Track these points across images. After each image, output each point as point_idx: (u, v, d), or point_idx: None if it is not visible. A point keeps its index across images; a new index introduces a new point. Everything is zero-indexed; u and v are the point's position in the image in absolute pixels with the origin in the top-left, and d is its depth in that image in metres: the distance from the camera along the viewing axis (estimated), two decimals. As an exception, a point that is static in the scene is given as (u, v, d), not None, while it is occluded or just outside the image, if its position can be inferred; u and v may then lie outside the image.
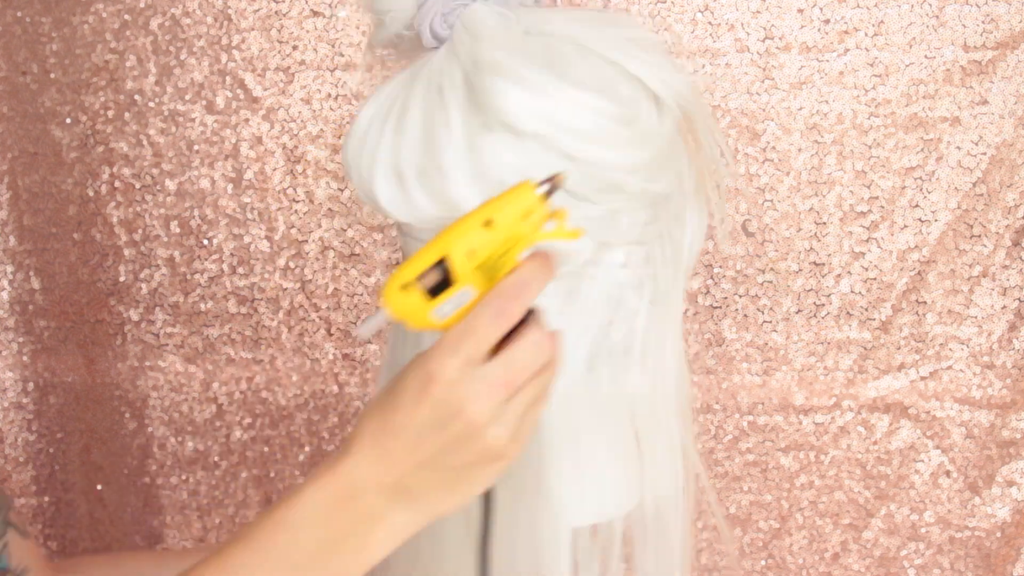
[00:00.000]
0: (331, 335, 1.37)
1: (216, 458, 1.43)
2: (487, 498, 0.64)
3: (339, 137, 1.32)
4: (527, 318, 0.60)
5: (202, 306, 1.38)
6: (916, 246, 1.31)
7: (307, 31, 1.30)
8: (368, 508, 0.60)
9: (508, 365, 0.59)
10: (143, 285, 1.38)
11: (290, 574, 0.61)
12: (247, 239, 1.35)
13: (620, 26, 0.72)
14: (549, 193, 0.59)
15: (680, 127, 0.72)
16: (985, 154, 1.28)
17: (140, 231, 1.37)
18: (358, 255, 1.35)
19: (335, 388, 1.39)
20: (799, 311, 1.33)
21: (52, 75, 1.34)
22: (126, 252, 1.38)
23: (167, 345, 1.40)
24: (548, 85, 0.65)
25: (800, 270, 1.32)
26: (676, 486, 0.86)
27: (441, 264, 0.58)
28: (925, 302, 1.32)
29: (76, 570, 0.85)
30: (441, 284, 0.59)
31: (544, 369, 0.61)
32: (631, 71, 0.69)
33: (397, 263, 1.34)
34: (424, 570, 0.74)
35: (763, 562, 1.40)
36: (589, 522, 0.79)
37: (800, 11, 1.26)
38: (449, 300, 0.59)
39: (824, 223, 1.31)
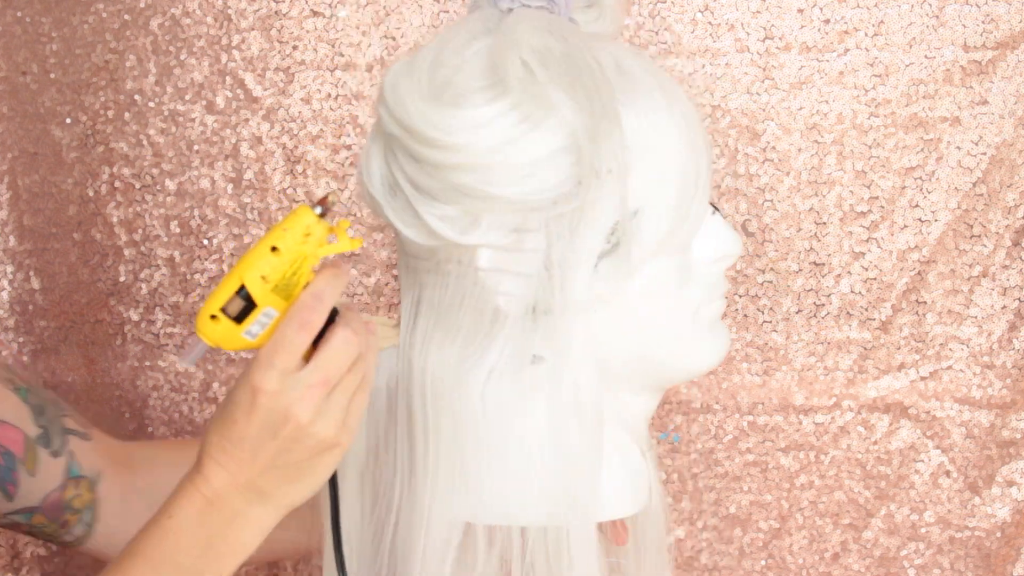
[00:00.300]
0: (331, 335, 1.37)
1: (216, 458, 1.43)
2: (333, 484, 0.75)
3: (339, 137, 1.32)
4: (334, 320, 0.70)
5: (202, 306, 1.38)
6: (916, 246, 1.31)
7: (307, 31, 1.30)
8: (231, 509, 0.70)
9: (321, 367, 0.68)
10: (143, 285, 1.38)
11: (179, 573, 0.70)
12: (247, 239, 1.36)
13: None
14: (324, 214, 0.68)
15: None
16: (985, 154, 1.28)
17: (140, 231, 1.37)
18: (358, 255, 1.35)
19: (335, 388, 1.39)
20: (799, 311, 1.33)
21: (52, 75, 1.34)
22: (126, 252, 1.38)
23: (167, 345, 1.40)
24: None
25: (800, 270, 1.32)
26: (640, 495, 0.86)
27: (242, 291, 0.67)
28: (925, 302, 1.32)
29: (150, 461, 0.94)
30: (246, 308, 0.68)
31: (357, 361, 0.71)
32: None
33: (398, 263, 1.34)
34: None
35: (763, 562, 1.40)
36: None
37: (800, 11, 1.26)
38: (255, 322, 0.68)
39: (824, 223, 1.31)
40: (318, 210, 0.68)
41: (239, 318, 0.68)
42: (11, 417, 0.87)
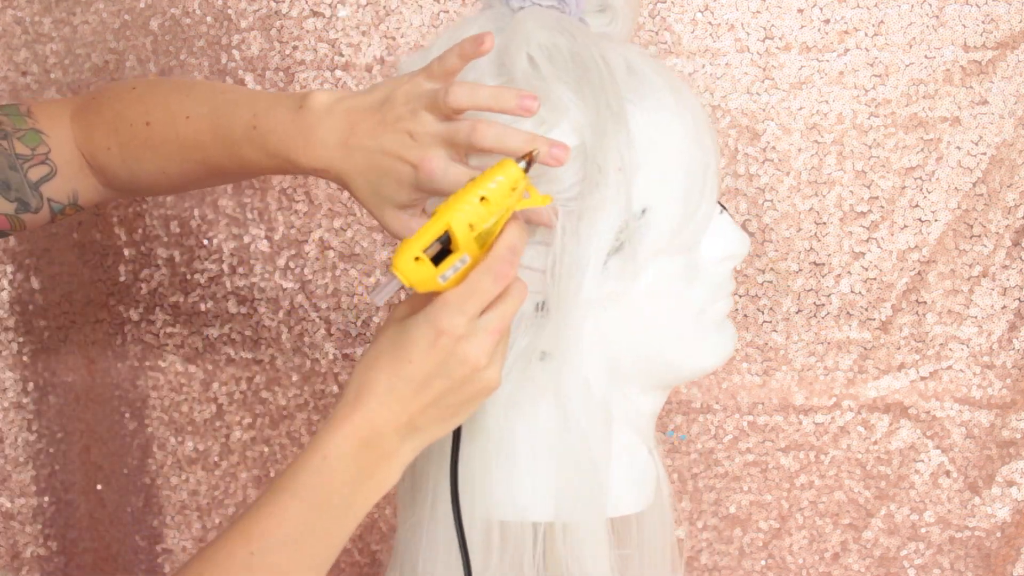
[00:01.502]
0: (331, 335, 1.37)
1: (216, 458, 1.43)
2: (456, 436, 0.77)
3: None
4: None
5: (202, 306, 1.38)
6: (916, 246, 1.31)
7: (307, 31, 1.30)
8: (385, 448, 0.72)
9: (500, 317, 0.71)
10: (143, 285, 1.38)
11: (326, 512, 0.72)
12: (247, 239, 1.36)
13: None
14: (527, 167, 0.70)
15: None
16: (985, 154, 1.28)
17: (140, 231, 1.37)
18: (358, 255, 1.35)
19: (335, 388, 1.39)
20: (799, 311, 1.33)
21: (52, 75, 1.34)
22: (126, 252, 1.38)
23: (167, 345, 1.40)
24: None
25: (800, 270, 1.32)
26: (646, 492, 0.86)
27: (444, 235, 0.69)
28: (925, 302, 1.32)
29: (118, 149, 0.91)
30: (440, 253, 0.70)
31: (516, 310, 0.74)
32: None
33: (397, 263, 1.34)
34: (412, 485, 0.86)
35: (763, 562, 1.40)
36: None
37: (800, 11, 1.26)
38: (451, 267, 0.70)
39: (824, 223, 1.31)
40: (522, 164, 0.70)
41: (435, 261, 0.70)
42: None
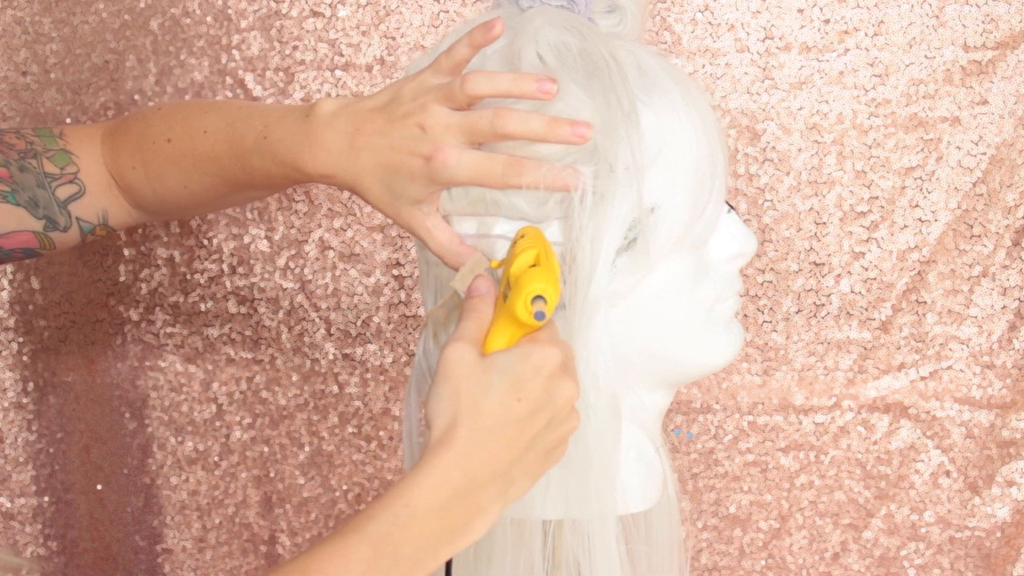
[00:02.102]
0: (331, 335, 1.37)
1: (216, 458, 1.43)
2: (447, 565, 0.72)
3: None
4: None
5: (202, 306, 1.38)
6: (916, 246, 1.31)
7: (307, 31, 1.30)
8: (478, 503, 0.68)
9: (571, 353, 0.72)
10: (143, 285, 1.38)
11: (398, 562, 0.66)
12: (247, 239, 1.35)
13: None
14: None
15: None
16: (985, 154, 1.28)
17: (140, 231, 1.37)
18: (358, 255, 1.35)
19: (335, 388, 1.39)
20: (799, 311, 1.33)
21: (52, 75, 1.34)
22: (126, 252, 1.38)
23: (167, 345, 1.40)
24: None
25: (800, 270, 1.32)
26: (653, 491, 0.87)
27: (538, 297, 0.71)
28: (925, 302, 1.32)
29: (143, 167, 0.93)
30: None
31: None
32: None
33: (397, 263, 1.34)
34: None
35: (763, 562, 1.40)
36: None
37: (800, 11, 1.26)
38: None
39: (824, 223, 1.31)
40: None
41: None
42: (14, 224, 0.90)
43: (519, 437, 0.68)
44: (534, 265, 0.70)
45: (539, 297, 0.69)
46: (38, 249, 0.91)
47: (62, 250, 0.93)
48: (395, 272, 1.35)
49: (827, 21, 1.26)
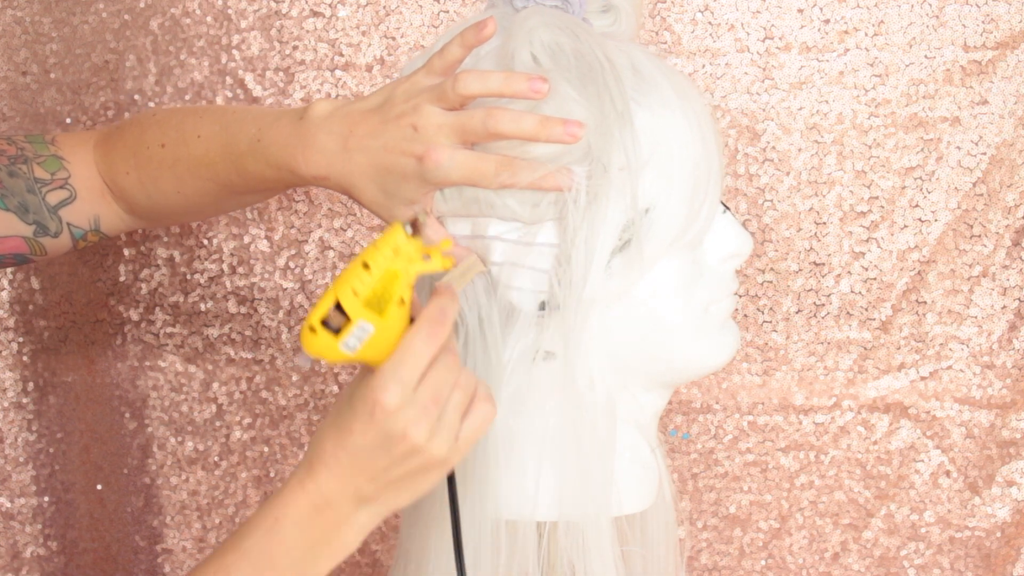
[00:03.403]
0: (331, 335, 1.37)
1: (216, 458, 1.43)
2: (450, 479, 0.75)
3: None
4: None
5: (202, 306, 1.38)
6: (916, 246, 1.31)
7: (307, 31, 1.30)
8: (337, 514, 0.71)
9: (434, 387, 0.68)
10: (143, 285, 1.38)
11: (277, 572, 0.71)
12: (247, 239, 1.36)
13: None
14: (415, 232, 0.69)
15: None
16: (985, 154, 1.28)
17: (140, 231, 1.37)
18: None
19: (335, 388, 1.39)
20: (799, 311, 1.33)
21: (52, 75, 1.34)
22: (126, 252, 1.38)
23: (167, 345, 1.40)
24: None
25: (800, 270, 1.32)
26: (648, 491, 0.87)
27: (338, 305, 0.68)
28: (925, 302, 1.32)
29: (136, 175, 0.93)
30: (342, 322, 0.69)
31: (458, 380, 0.70)
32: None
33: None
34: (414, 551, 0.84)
35: (763, 562, 1.40)
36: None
37: (800, 11, 1.26)
38: (351, 335, 0.69)
39: (824, 223, 1.31)
40: (409, 229, 0.69)
41: (337, 331, 0.69)
42: (3, 230, 0.90)
43: (362, 468, 0.70)
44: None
45: (337, 310, 0.68)
46: (29, 255, 0.91)
47: (54, 256, 0.93)
48: (395, 272, 1.35)
49: (827, 21, 1.26)
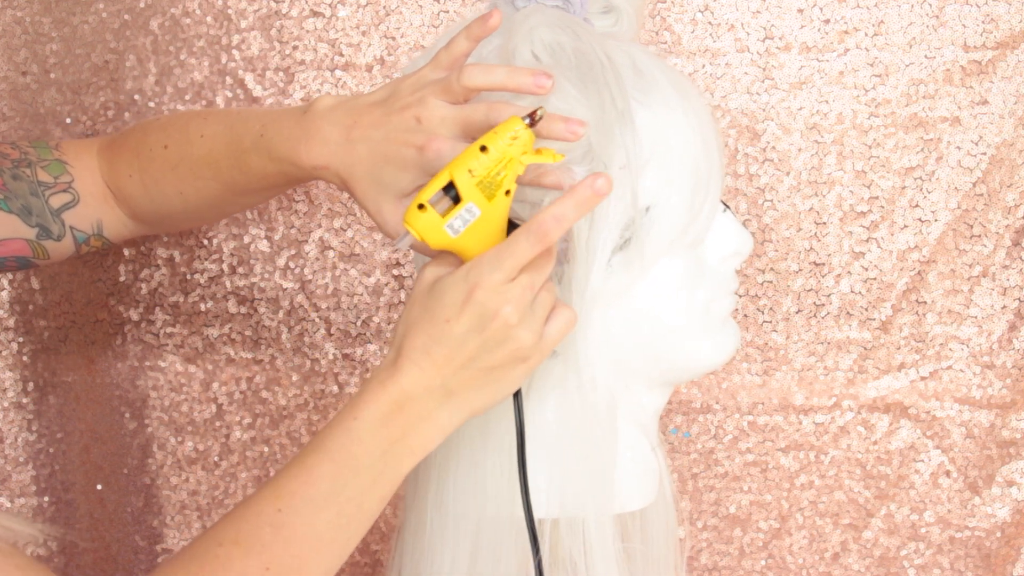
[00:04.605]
0: (331, 335, 1.37)
1: (216, 458, 1.43)
2: (516, 396, 0.76)
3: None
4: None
5: (202, 306, 1.38)
6: (916, 246, 1.31)
7: (307, 31, 1.30)
8: (419, 411, 0.72)
9: (529, 279, 0.70)
10: (143, 285, 1.38)
11: (359, 473, 0.71)
12: (247, 239, 1.36)
13: None
14: (532, 123, 0.71)
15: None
16: (985, 154, 1.28)
17: (140, 231, 1.37)
18: (358, 255, 1.35)
19: (335, 388, 1.39)
20: (799, 311, 1.33)
21: (52, 75, 1.34)
22: (126, 252, 1.38)
23: (167, 345, 1.40)
24: None
25: (800, 270, 1.32)
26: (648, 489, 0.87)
27: (450, 189, 0.70)
28: (925, 302, 1.32)
29: (139, 176, 0.94)
30: (452, 202, 0.71)
31: (548, 283, 0.73)
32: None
33: (397, 263, 1.34)
34: (465, 483, 0.83)
35: (763, 562, 1.40)
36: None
37: (800, 11, 1.26)
38: (458, 216, 0.71)
39: (824, 223, 1.31)
40: (527, 120, 0.71)
41: (445, 212, 0.71)
42: (6, 232, 0.91)
43: (452, 357, 0.71)
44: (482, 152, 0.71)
45: (447, 190, 0.70)
46: (31, 258, 0.91)
47: (56, 260, 0.93)
48: (395, 272, 1.35)
49: (827, 21, 1.26)
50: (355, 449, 0.71)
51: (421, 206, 0.71)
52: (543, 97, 0.74)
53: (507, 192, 0.71)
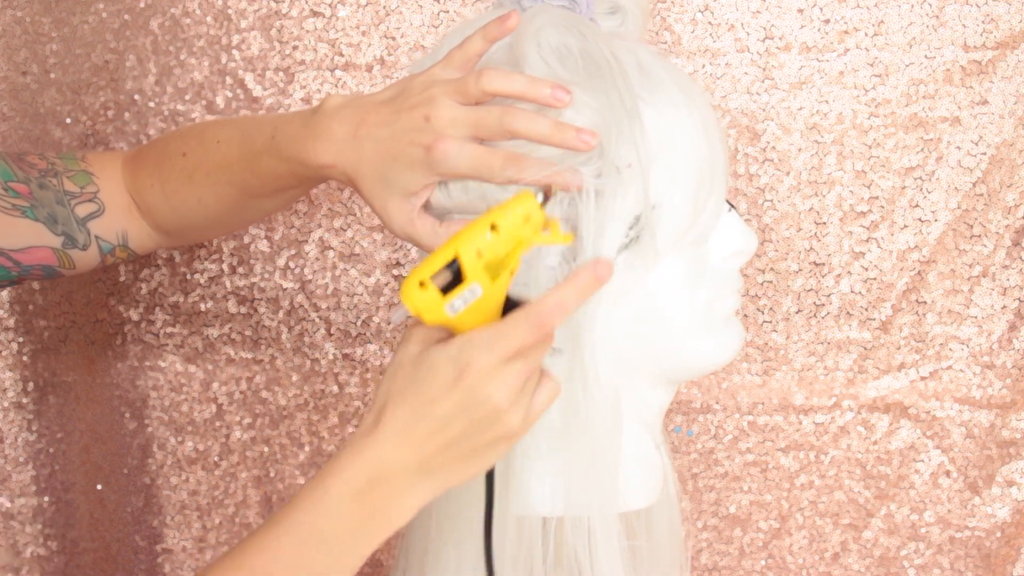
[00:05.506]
0: (331, 335, 1.37)
1: (216, 458, 1.43)
2: (489, 476, 0.73)
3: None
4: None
5: (202, 306, 1.38)
6: (916, 246, 1.31)
7: (307, 31, 1.30)
8: (396, 487, 0.69)
9: (528, 364, 0.68)
10: (143, 285, 1.38)
11: (322, 549, 0.68)
12: (247, 239, 1.36)
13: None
14: (545, 201, 0.67)
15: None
16: (985, 154, 1.28)
17: (140, 231, 1.37)
18: (358, 255, 1.35)
19: (335, 388, 1.39)
20: (799, 311, 1.33)
21: (52, 75, 1.34)
22: (126, 252, 1.38)
23: (167, 345, 1.40)
24: None
25: (800, 270, 1.32)
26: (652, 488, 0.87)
27: (453, 264, 0.66)
28: (925, 302, 1.32)
29: (160, 187, 0.94)
30: (452, 283, 0.66)
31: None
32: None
33: (397, 263, 1.34)
34: (435, 542, 0.82)
35: (763, 562, 1.40)
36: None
37: (800, 11, 1.26)
38: (459, 296, 0.66)
39: (824, 223, 1.31)
40: (540, 197, 0.67)
41: (445, 290, 0.67)
42: (32, 240, 0.90)
43: (434, 436, 0.68)
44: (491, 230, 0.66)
45: (449, 269, 0.66)
46: (57, 267, 0.92)
47: (82, 270, 0.93)
48: (395, 272, 1.35)
49: (827, 21, 1.26)
50: (322, 525, 0.68)
51: (422, 283, 0.66)
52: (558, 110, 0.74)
53: (512, 271, 0.67)
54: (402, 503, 0.69)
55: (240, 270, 1.36)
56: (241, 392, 1.40)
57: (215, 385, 1.41)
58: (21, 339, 1.41)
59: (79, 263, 0.93)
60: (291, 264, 1.36)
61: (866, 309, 1.33)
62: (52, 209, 0.91)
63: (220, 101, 1.32)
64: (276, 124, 0.84)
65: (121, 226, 0.95)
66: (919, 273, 1.31)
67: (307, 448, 1.41)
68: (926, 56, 1.26)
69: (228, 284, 1.37)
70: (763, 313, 1.33)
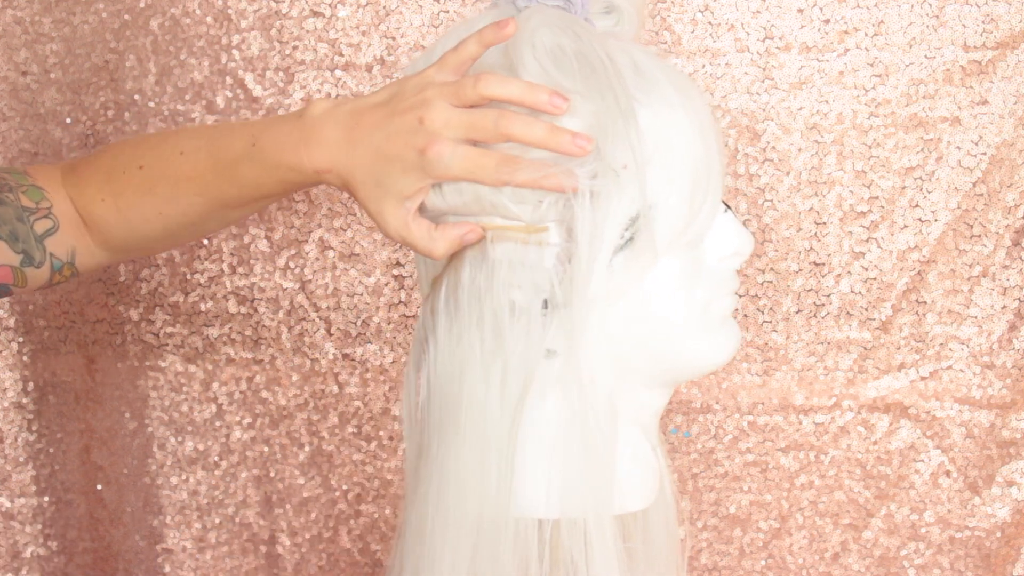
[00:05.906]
0: (331, 335, 1.37)
1: (216, 458, 1.43)
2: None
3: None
4: None
5: (202, 306, 1.38)
6: (916, 246, 1.31)
7: (307, 31, 1.30)
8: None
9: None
10: (143, 285, 1.38)
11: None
12: (247, 239, 1.36)
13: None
14: None
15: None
16: (985, 154, 1.28)
17: (140, 231, 1.37)
18: (358, 255, 1.35)
19: (335, 388, 1.39)
20: (799, 311, 1.33)
21: (52, 75, 1.34)
22: (126, 252, 1.38)
23: (167, 345, 1.40)
24: None
25: (800, 270, 1.32)
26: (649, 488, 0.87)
27: None
28: (925, 302, 1.32)
29: (112, 205, 0.96)
30: None
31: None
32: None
33: (397, 263, 1.34)
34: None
35: (763, 562, 1.40)
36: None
37: (800, 11, 1.26)
38: None
39: (824, 223, 1.31)
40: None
41: None
42: None
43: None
44: None
45: None
46: (11, 285, 0.90)
47: (31, 289, 0.91)
48: (395, 272, 1.35)
49: (827, 21, 1.26)
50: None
51: None
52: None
53: None
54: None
55: (240, 270, 1.37)
56: (241, 392, 1.40)
57: (215, 385, 1.41)
58: (21, 339, 1.41)
59: (31, 281, 0.91)
60: (291, 264, 1.36)
61: (866, 309, 1.33)
62: (13, 226, 0.89)
63: (220, 101, 1.32)
64: (254, 131, 0.83)
65: (72, 243, 0.93)
66: (919, 273, 1.31)
67: (307, 448, 1.41)
68: (926, 56, 1.26)
69: (228, 284, 1.37)
70: (763, 313, 1.33)
